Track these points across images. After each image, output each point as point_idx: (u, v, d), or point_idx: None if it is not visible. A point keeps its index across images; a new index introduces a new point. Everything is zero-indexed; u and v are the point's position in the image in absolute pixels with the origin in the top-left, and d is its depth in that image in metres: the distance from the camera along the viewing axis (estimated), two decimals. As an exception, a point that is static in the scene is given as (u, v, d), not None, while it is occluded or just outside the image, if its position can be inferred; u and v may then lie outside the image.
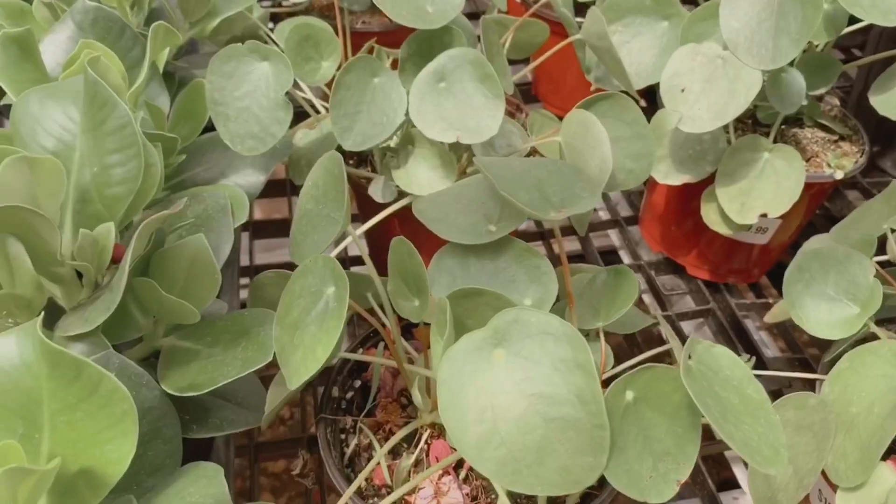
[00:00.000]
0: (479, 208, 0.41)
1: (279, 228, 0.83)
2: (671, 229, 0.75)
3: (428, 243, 0.67)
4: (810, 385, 0.66)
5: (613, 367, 0.44)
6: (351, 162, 0.66)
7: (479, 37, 0.68)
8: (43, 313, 0.32)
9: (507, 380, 0.32)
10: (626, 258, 0.81)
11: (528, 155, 0.60)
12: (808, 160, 0.67)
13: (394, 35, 0.82)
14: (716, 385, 0.33)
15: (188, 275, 0.42)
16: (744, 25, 0.55)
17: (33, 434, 0.32)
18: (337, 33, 0.65)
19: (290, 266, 0.76)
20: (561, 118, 0.95)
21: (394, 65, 0.67)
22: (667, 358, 0.57)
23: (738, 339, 0.72)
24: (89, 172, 0.41)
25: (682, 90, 0.56)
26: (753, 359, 0.53)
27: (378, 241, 0.72)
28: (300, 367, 0.36)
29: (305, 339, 0.37)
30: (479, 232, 0.40)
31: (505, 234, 0.39)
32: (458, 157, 0.60)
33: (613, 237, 0.85)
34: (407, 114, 0.54)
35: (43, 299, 0.40)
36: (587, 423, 0.31)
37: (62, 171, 0.39)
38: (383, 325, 0.48)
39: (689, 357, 0.33)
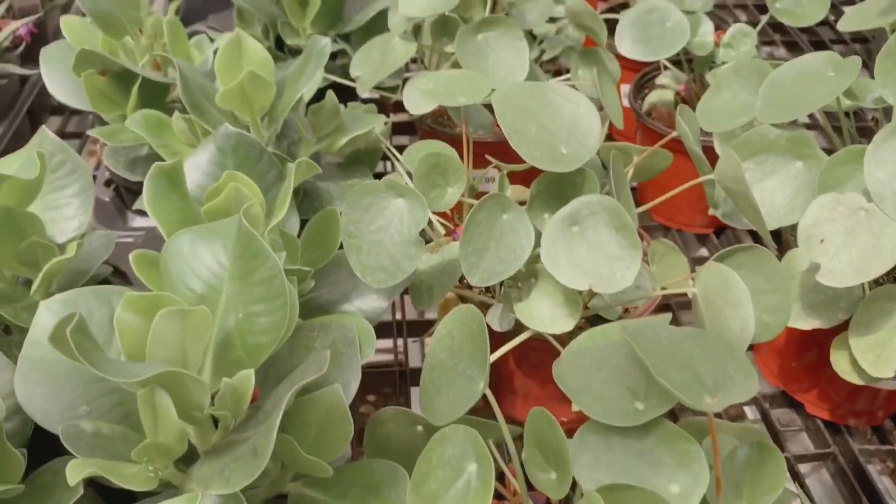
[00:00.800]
0: (622, 379, 0.40)
1: (381, 331, 0.83)
2: (791, 364, 0.72)
3: (539, 370, 0.65)
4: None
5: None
6: (465, 281, 0.66)
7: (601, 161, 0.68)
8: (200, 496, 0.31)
9: None
10: (737, 387, 0.77)
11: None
12: (946, 307, 0.63)
13: (505, 145, 0.83)
14: None
15: (322, 426, 0.42)
16: (891, 178, 0.53)
17: None
18: (462, 156, 0.66)
19: (392, 375, 0.76)
20: (669, 229, 0.93)
21: (511, 179, 0.67)
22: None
23: (861, 486, 0.68)
24: (234, 318, 0.42)
25: (822, 241, 0.54)
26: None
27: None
28: (438, 547, 0.35)
29: (445, 516, 0.36)
30: (625, 410, 0.38)
31: (654, 416, 0.38)
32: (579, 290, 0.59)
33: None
34: (534, 249, 0.53)
35: (183, 447, 0.40)
36: None
37: (210, 320, 0.40)
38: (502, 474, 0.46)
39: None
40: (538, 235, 0.54)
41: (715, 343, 0.40)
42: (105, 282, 0.62)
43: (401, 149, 1.08)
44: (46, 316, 0.44)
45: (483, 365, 0.40)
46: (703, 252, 0.93)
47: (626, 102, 0.98)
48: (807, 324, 0.60)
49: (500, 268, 0.53)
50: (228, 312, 0.42)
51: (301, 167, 0.51)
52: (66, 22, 0.75)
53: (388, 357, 0.82)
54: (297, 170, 0.50)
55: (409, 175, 0.68)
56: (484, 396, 0.43)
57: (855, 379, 0.60)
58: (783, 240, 0.68)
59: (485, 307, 0.61)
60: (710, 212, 0.67)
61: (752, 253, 0.51)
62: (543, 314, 0.54)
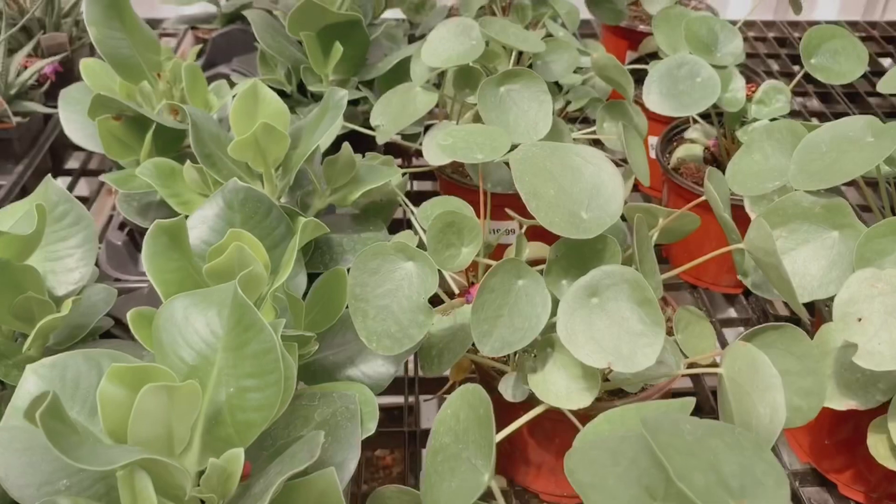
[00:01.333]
0: (640, 476, 0.37)
1: (390, 387, 0.80)
2: (823, 441, 0.68)
3: (554, 440, 0.62)
4: None
5: None
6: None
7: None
8: None
9: None
10: (765, 461, 0.73)
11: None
12: None
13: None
14: None
15: (314, 513, 0.39)
16: (935, 255, 0.49)
17: None
18: (478, 212, 0.63)
19: (401, 436, 0.73)
20: (696, 287, 0.89)
21: (528, 235, 0.64)
22: None
23: (899, 578, 0.63)
24: (225, 392, 0.39)
25: (860, 319, 0.50)
26: None
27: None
28: None
29: None
30: (642, 513, 0.35)
31: (673, 521, 0.35)
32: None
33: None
34: (551, 317, 0.51)
35: (164, 532, 0.37)
36: None
37: (199, 396, 0.37)
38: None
39: None
40: (556, 303, 0.51)
41: (742, 440, 0.37)
42: (108, 334, 0.60)
43: (422, 194, 1.07)
44: (32, 381, 0.42)
45: (489, 454, 0.37)
46: (731, 313, 0.89)
47: (652, 154, 0.96)
48: (841, 404, 0.56)
49: (513, 337, 0.50)
50: (220, 386, 0.40)
51: (308, 228, 0.49)
52: (86, 65, 0.74)
53: (398, 415, 0.79)
54: (303, 230, 0.48)
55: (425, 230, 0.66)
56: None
57: (894, 465, 0.56)
58: (816, 310, 0.65)
59: (498, 373, 0.58)
60: (740, 278, 0.64)
61: (783, 331, 0.48)
62: (559, 387, 0.51)
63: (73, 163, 1.09)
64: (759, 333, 0.48)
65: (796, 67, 1.39)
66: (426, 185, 1.10)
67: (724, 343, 0.80)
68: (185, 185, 0.63)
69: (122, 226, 0.82)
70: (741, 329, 0.87)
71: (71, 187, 1.03)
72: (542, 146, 0.54)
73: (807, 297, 0.56)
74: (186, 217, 0.55)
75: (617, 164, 0.89)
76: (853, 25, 1.52)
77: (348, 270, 0.53)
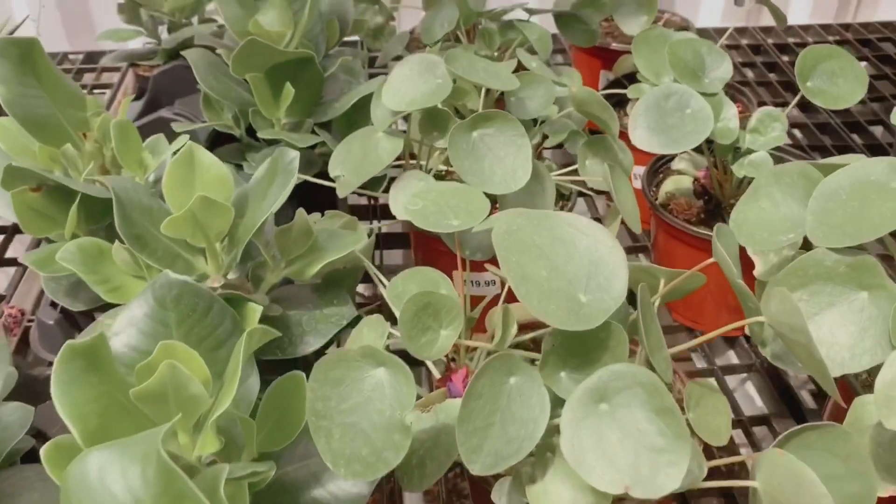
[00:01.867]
0: None
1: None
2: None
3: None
4: None
5: None
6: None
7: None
8: None
9: None
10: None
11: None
12: None
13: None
14: None
15: None
16: None
17: None
18: (454, 266, 0.56)
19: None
20: (692, 329, 0.82)
21: (509, 297, 0.56)
22: None
23: None
24: (155, 580, 0.31)
25: (906, 404, 0.43)
26: None
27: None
28: None
29: None
30: None
31: None
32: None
33: None
34: (551, 419, 0.43)
35: None
36: None
37: None
38: None
39: None
40: (553, 398, 0.44)
41: None
42: (31, 456, 0.51)
43: (392, 237, 0.99)
44: None
45: None
46: (732, 357, 0.83)
47: (636, 184, 0.89)
48: (883, 490, 0.49)
49: (508, 450, 0.42)
50: (148, 571, 0.31)
51: (254, 336, 0.41)
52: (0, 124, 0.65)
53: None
54: (248, 339, 0.40)
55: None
56: None
57: (943, 556, 0.50)
58: (845, 380, 0.58)
59: (492, 476, 0.51)
60: (757, 346, 0.57)
61: (823, 431, 0.41)
62: (564, 502, 0.43)
63: (4, 220, 0.99)
64: (795, 436, 0.41)
65: (772, 76, 1.33)
66: (397, 227, 1.01)
67: (729, 396, 0.73)
68: (118, 268, 0.55)
69: (54, 302, 0.73)
70: (744, 376, 0.80)
71: (3, 249, 0.94)
72: (527, 216, 0.46)
73: (837, 370, 0.49)
74: (119, 305, 0.47)
75: (586, 194, 0.82)
76: (826, 28, 1.47)
77: (306, 366, 0.45)
